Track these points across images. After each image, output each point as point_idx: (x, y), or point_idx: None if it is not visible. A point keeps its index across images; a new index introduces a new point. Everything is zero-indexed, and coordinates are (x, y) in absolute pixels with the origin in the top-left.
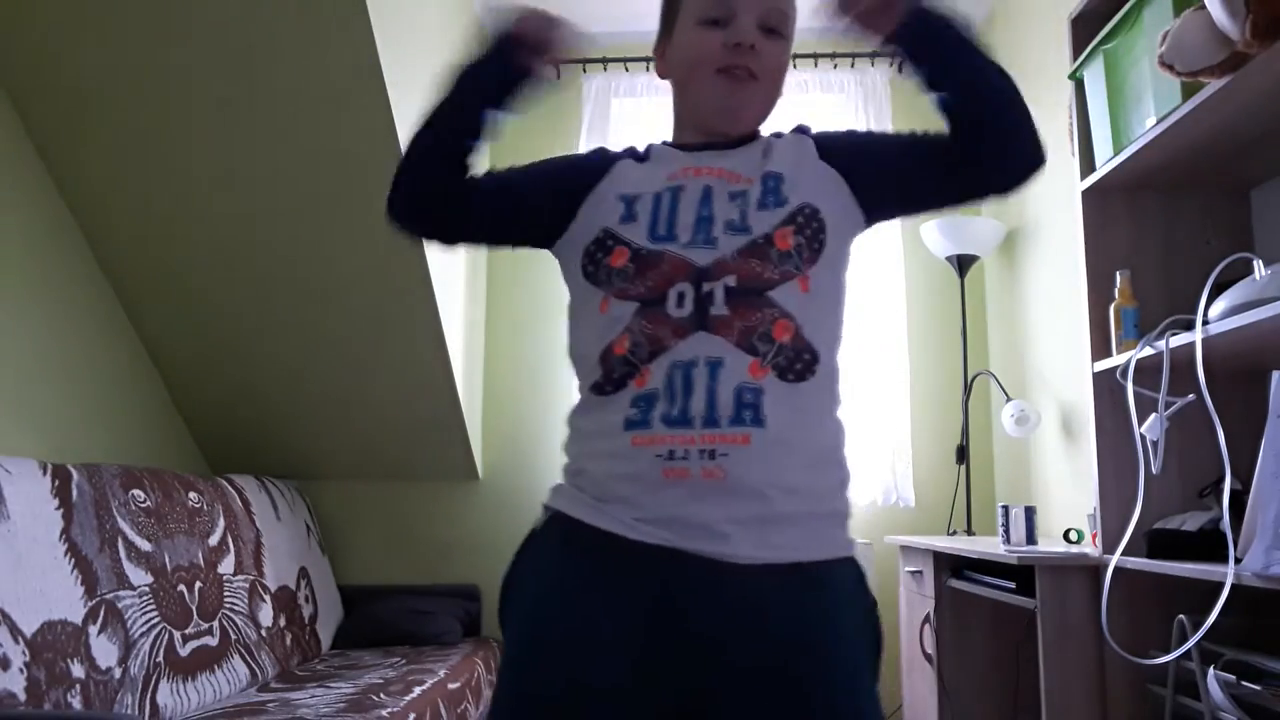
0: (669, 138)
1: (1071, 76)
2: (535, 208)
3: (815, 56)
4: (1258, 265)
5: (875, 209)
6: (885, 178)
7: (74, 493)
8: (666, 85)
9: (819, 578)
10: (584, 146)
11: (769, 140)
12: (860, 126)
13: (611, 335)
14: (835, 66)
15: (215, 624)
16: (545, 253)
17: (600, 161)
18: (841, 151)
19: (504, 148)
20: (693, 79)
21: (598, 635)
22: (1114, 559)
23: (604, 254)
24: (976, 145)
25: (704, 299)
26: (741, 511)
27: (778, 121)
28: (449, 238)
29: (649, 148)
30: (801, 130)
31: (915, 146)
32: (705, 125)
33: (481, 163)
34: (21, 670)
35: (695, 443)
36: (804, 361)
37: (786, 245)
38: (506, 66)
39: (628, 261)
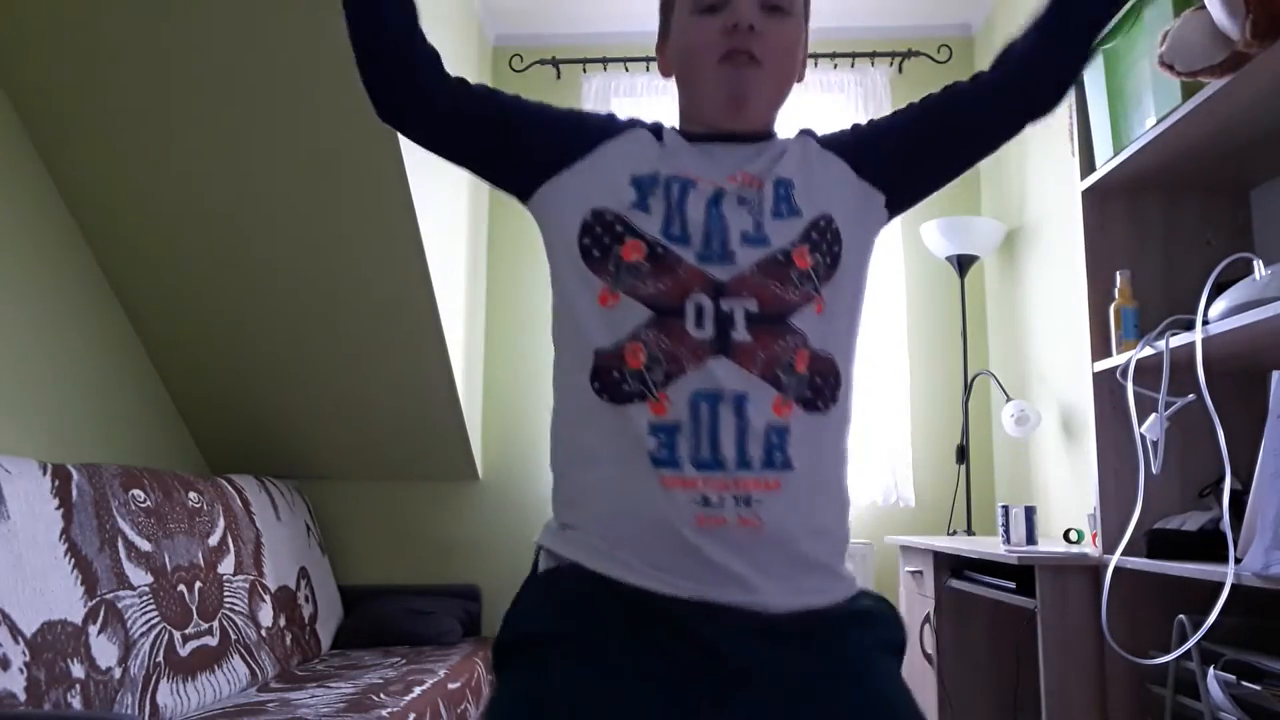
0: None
1: None
2: (525, 134)
3: (815, 56)
4: (1258, 265)
5: (903, 193)
6: (909, 152)
7: (74, 493)
8: (667, 85)
9: (851, 615)
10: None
11: (783, 143)
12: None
13: (618, 337)
14: (835, 66)
15: (215, 624)
16: (543, 248)
17: (610, 123)
18: (851, 143)
19: None
20: (693, 71)
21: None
22: (1114, 559)
23: (613, 240)
24: (1075, 50)
25: (724, 320)
26: (774, 560)
27: (787, 123)
28: (422, 120)
29: (663, 130)
30: (805, 133)
31: (930, 105)
32: (712, 120)
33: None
34: (21, 670)
35: (729, 488)
36: (827, 388)
37: (805, 264)
38: None
39: (644, 259)
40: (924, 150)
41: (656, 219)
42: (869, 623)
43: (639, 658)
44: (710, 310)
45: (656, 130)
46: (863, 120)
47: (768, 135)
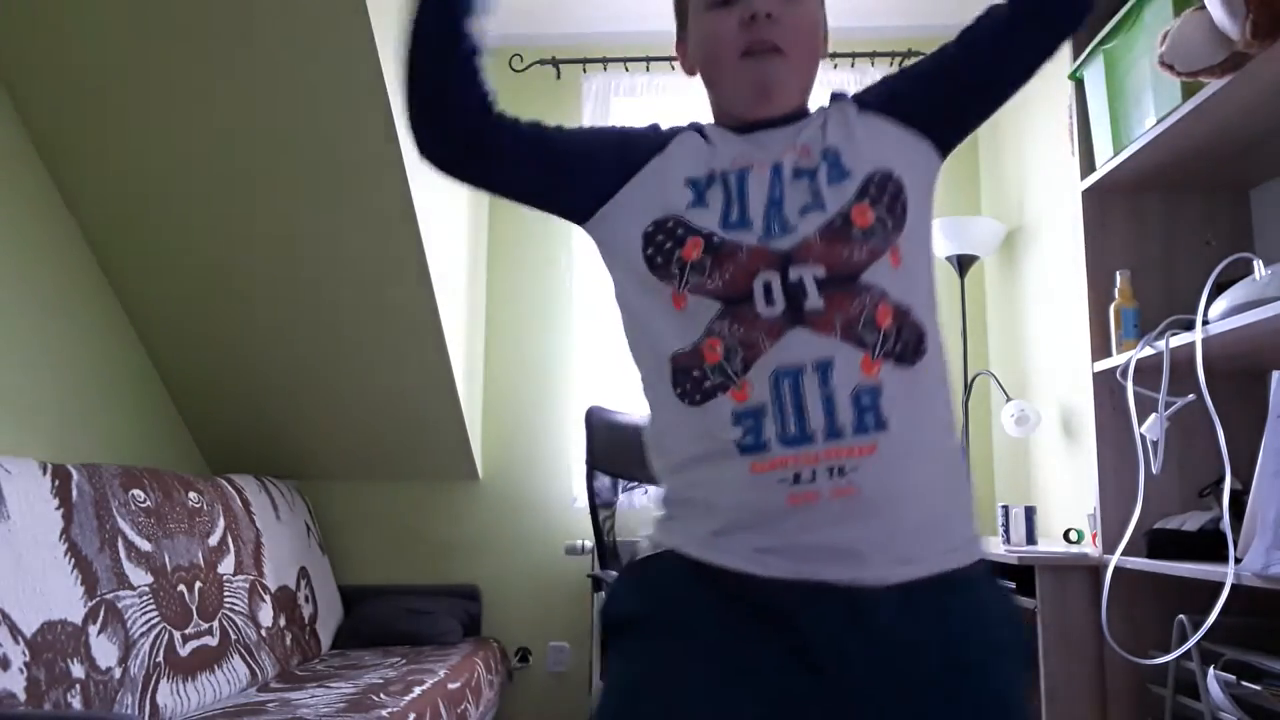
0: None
1: (1071, 76)
2: (579, 164)
3: None
4: (1258, 265)
5: (953, 130)
6: (940, 85)
7: (74, 493)
8: (668, 83)
9: (963, 586)
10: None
11: (821, 112)
12: None
13: (693, 337)
14: (835, 66)
15: (215, 624)
16: (543, 249)
17: (656, 135)
18: (887, 95)
19: None
20: (716, 68)
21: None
22: (1114, 559)
23: (674, 244)
24: None
25: (794, 290)
26: (877, 529)
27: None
28: (478, 169)
29: (704, 129)
30: (838, 97)
31: (957, 44)
32: (742, 114)
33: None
34: (21, 670)
35: (820, 460)
36: (915, 340)
37: (867, 221)
38: None
39: (703, 253)
40: (962, 89)
41: (715, 212)
42: (975, 596)
43: (732, 648)
44: (778, 285)
45: (701, 131)
46: (892, 71)
47: (804, 114)
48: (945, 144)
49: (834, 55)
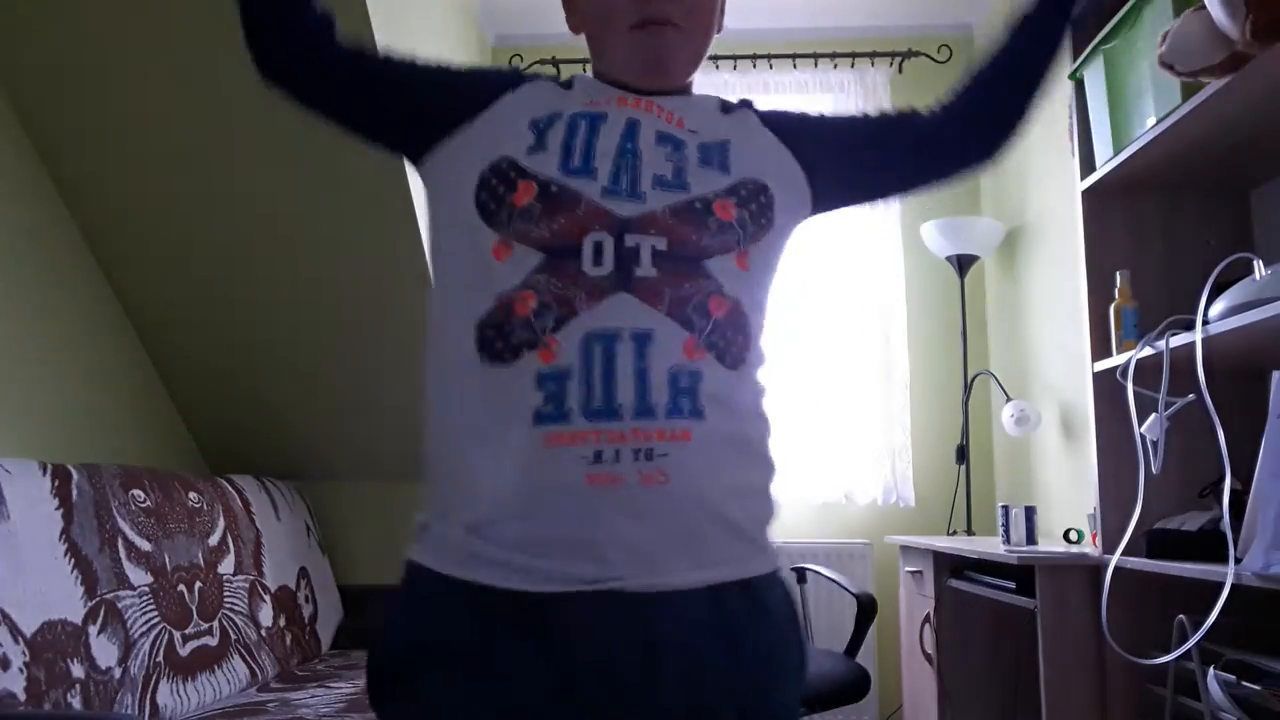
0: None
1: (1071, 76)
2: (422, 94)
3: (815, 56)
4: (1258, 265)
5: (828, 194)
6: (848, 157)
7: (74, 493)
8: None
9: (759, 597)
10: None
11: (716, 101)
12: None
13: (506, 286)
14: (835, 66)
15: (215, 624)
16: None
17: (511, 76)
18: (795, 128)
19: None
20: (604, 35)
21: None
22: (1114, 559)
23: (506, 188)
24: (1007, 110)
25: (627, 255)
26: (680, 525)
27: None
28: (315, 89)
29: (573, 77)
30: (746, 104)
31: (884, 124)
32: (634, 85)
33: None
34: (21, 670)
35: (627, 440)
36: (739, 344)
37: (729, 216)
38: None
39: (534, 199)
40: (864, 156)
41: (554, 156)
42: (769, 608)
43: (497, 688)
44: (610, 246)
45: (566, 81)
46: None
47: (687, 91)
48: (817, 204)
49: (834, 55)
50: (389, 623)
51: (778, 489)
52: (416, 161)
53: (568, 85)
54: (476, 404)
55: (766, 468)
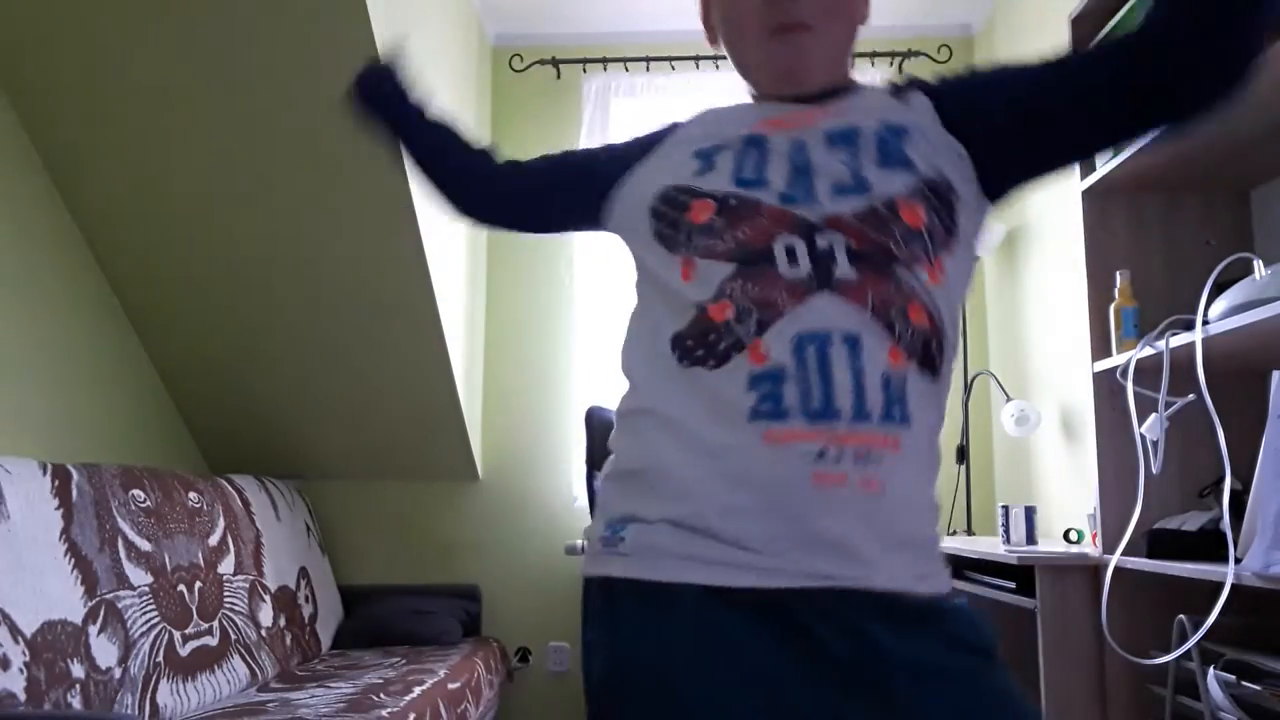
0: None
1: None
2: (592, 166)
3: None
4: (1258, 265)
5: (997, 178)
6: (1008, 130)
7: (74, 493)
8: (669, 83)
9: (955, 615)
10: (584, 146)
11: (886, 87)
12: None
13: (699, 299)
14: None
15: (215, 624)
16: (543, 249)
17: (665, 128)
18: (954, 104)
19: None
20: (739, 44)
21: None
22: (1114, 559)
23: (679, 210)
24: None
25: (823, 255)
26: (891, 534)
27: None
28: (514, 216)
29: (735, 106)
30: (918, 84)
31: (1077, 70)
32: (770, 91)
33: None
34: (21, 670)
35: (847, 442)
36: (937, 355)
37: (917, 222)
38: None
39: (714, 215)
40: (1028, 126)
41: (725, 173)
42: (970, 628)
43: (751, 684)
44: (804, 248)
45: (725, 109)
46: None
47: (847, 86)
48: (996, 197)
49: None
50: (596, 651)
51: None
52: (604, 224)
53: (727, 112)
54: (682, 409)
55: (933, 498)
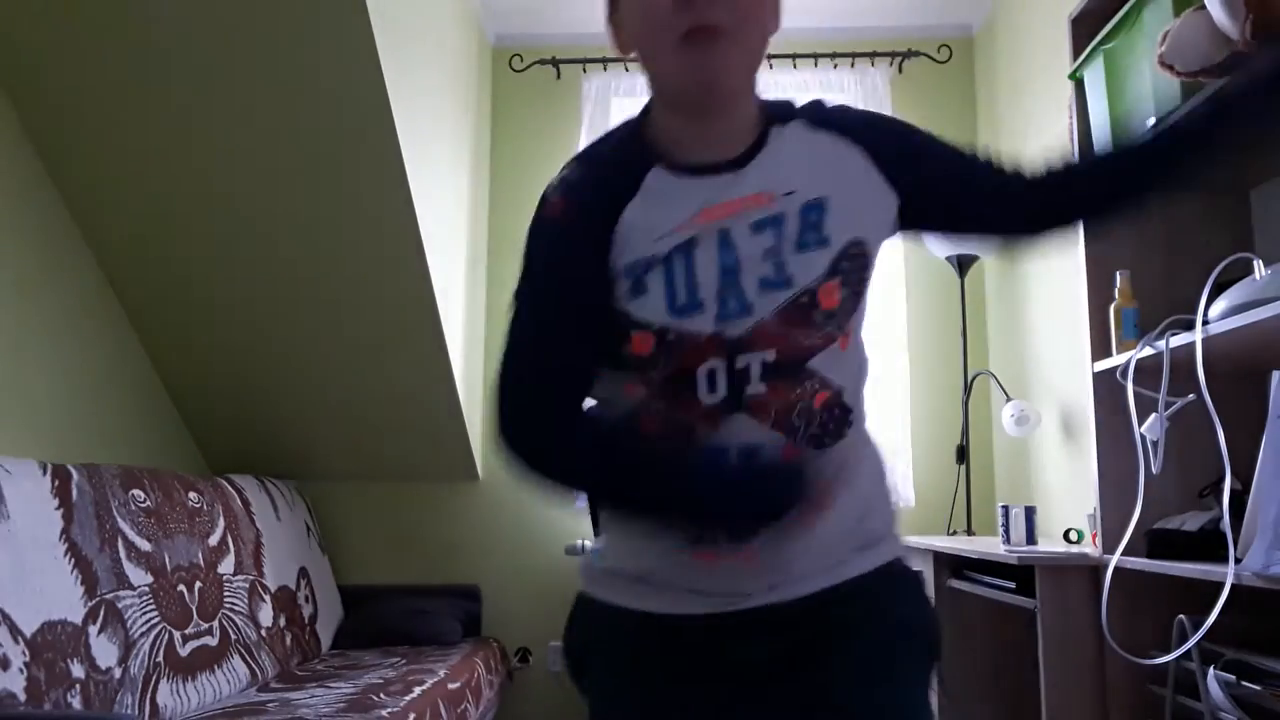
0: (650, 110)
1: (1071, 76)
2: (591, 300)
3: (815, 56)
4: (1258, 265)
5: (911, 222)
6: (948, 203)
7: (74, 493)
8: None
9: (867, 588)
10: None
11: (801, 127)
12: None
13: (634, 404)
14: (835, 66)
15: (215, 624)
16: None
17: (592, 210)
18: (894, 149)
19: (503, 149)
20: (652, 51)
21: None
22: (1114, 559)
23: (622, 340)
24: (1106, 209)
25: (738, 378)
26: (766, 580)
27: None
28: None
29: (637, 168)
30: (813, 109)
31: (992, 175)
32: (683, 104)
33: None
34: (21, 670)
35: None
36: (837, 422)
37: (833, 303)
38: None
39: (654, 348)
40: (955, 193)
41: (658, 299)
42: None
43: (674, 685)
44: (723, 371)
45: (634, 180)
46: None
47: (756, 133)
48: (900, 226)
49: (834, 55)
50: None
51: (890, 513)
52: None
53: (634, 189)
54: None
55: (881, 492)
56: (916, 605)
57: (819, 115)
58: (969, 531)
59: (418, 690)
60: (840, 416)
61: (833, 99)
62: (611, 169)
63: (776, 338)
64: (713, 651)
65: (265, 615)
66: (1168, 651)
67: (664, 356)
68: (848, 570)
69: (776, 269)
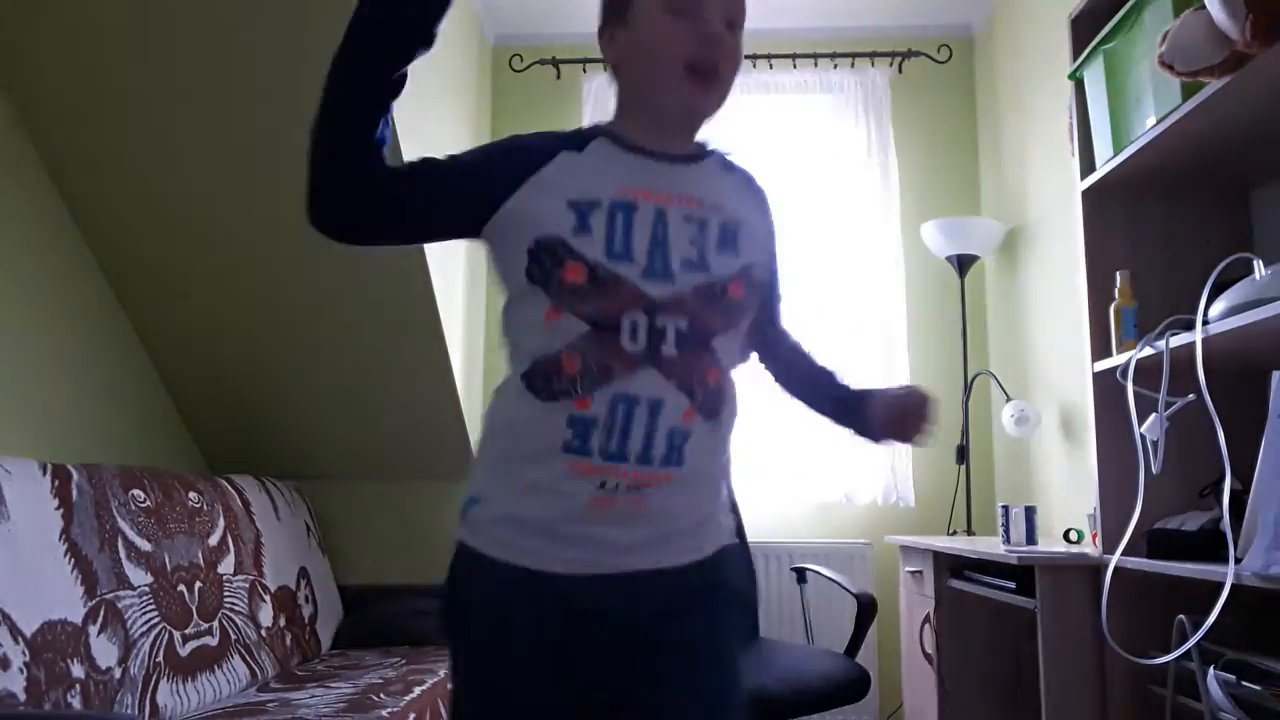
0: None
1: (1071, 76)
2: (467, 179)
3: (815, 57)
4: (1258, 265)
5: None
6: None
7: (74, 493)
8: None
9: (712, 564)
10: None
11: (718, 161)
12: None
13: (558, 345)
14: (835, 66)
15: (215, 624)
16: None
17: (543, 145)
18: (772, 235)
19: None
20: (657, 73)
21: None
22: (1114, 559)
23: (555, 265)
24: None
25: (656, 335)
26: (650, 533)
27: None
28: (376, 237)
29: (587, 137)
30: (755, 184)
31: (771, 309)
32: (662, 124)
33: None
34: (21, 670)
35: (626, 477)
36: (721, 402)
37: (739, 295)
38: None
39: (585, 281)
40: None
41: (598, 239)
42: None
43: (550, 642)
44: (644, 326)
45: (582, 143)
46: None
47: (698, 152)
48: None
49: (834, 55)
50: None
51: (727, 497)
52: (477, 236)
53: (581, 146)
54: (521, 424)
55: (725, 484)
56: (751, 575)
57: (728, 163)
58: (969, 531)
59: (418, 690)
60: (722, 398)
61: (830, 100)
62: (564, 136)
63: (692, 310)
64: (597, 611)
65: (265, 615)
66: (1168, 651)
67: (591, 290)
68: (708, 546)
69: (699, 255)
